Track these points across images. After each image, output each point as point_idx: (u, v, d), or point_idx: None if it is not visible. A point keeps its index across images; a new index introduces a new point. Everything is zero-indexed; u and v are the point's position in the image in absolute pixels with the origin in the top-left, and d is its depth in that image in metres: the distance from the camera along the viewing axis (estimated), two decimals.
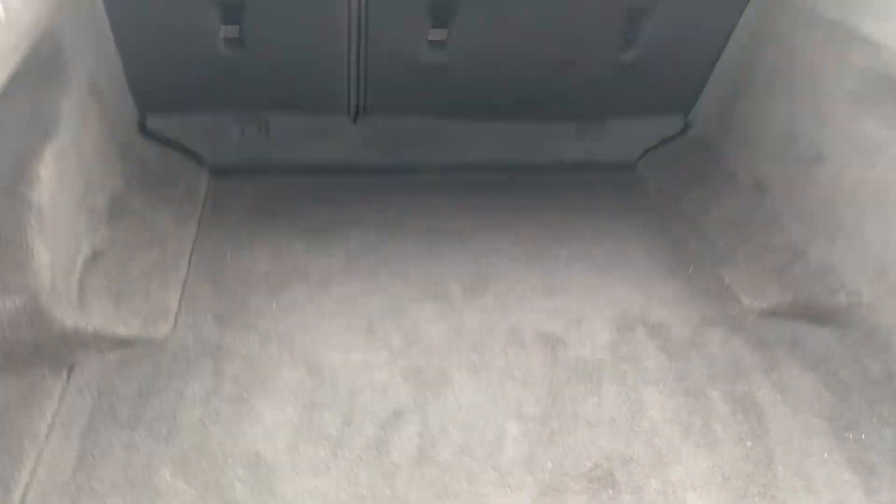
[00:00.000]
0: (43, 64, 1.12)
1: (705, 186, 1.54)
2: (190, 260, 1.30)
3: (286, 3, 1.38)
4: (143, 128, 1.51)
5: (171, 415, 1.02)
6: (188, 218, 1.39)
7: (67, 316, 1.06)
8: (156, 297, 1.20)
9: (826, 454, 1.04)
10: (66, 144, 1.14)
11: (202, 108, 1.54)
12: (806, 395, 1.13)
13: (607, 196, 1.57)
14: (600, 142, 1.67)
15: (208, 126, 1.56)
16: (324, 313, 1.22)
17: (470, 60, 1.50)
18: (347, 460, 0.99)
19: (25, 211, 1.01)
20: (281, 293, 1.25)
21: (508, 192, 1.55)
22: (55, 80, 1.16)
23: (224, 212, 1.44)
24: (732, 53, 1.53)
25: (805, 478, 1.01)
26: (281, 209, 1.46)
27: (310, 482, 0.96)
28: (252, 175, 1.54)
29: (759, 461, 1.03)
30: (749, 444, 1.05)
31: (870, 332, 1.19)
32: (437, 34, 1.46)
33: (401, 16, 1.42)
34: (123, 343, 1.11)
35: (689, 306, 1.29)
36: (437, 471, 0.98)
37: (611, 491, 0.97)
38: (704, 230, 1.46)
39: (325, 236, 1.39)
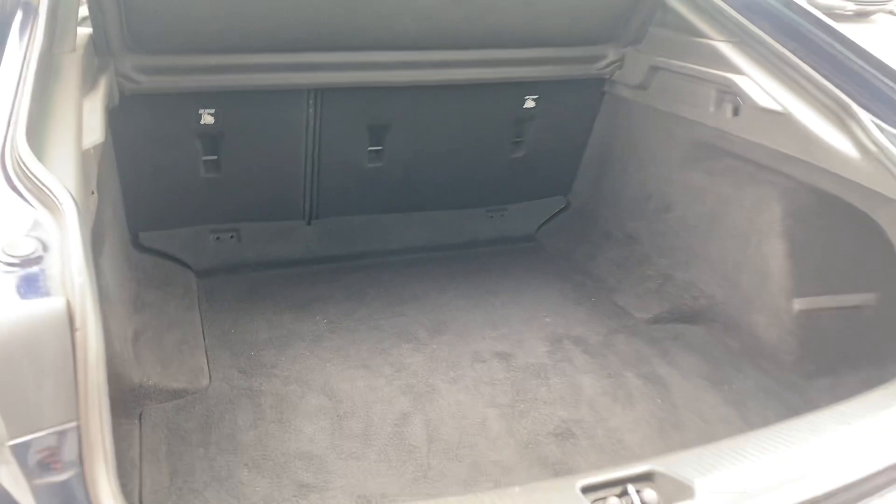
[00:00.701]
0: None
1: (590, 243, 2.01)
2: (204, 335, 1.60)
3: (256, 132, 1.77)
4: (136, 243, 1.81)
5: (231, 437, 1.31)
6: (191, 307, 1.69)
7: (134, 375, 1.34)
8: (189, 361, 1.49)
9: (711, 400, 1.46)
10: (107, 250, 1.45)
11: (184, 223, 1.87)
12: (691, 367, 1.56)
13: (518, 260, 2.01)
14: (506, 221, 2.13)
15: (190, 237, 1.88)
16: (325, 360, 1.54)
17: (401, 166, 1.93)
18: (377, 446, 1.30)
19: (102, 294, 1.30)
20: (285, 350, 1.57)
21: (443, 265, 1.95)
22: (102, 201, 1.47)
23: (217, 301, 1.75)
24: (594, 142, 2.05)
25: (700, 416, 1.42)
26: (263, 295, 1.79)
27: (353, 462, 1.27)
28: (231, 273, 1.86)
29: (668, 410, 1.43)
30: (659, 401, 1.46)
31: (726, 321, 1.65)
32: (375, 147, 1.89)
33: (348, 136, 1.84)
34: (177, 394, 1.39)
35: (598, 323, 1.71)
36: (445, 444, 1.32)
37: (572, 440, 1.34)
38: (595, 273, 1.91)
39: (307, 310, 1.73)
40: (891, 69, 1.36)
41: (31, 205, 0.87)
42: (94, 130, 1.20)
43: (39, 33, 1.21)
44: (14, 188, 0.89)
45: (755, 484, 0.87)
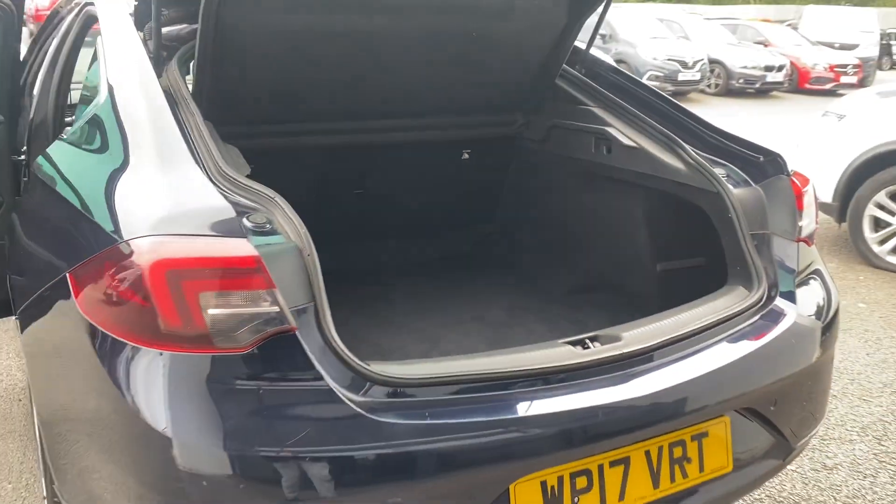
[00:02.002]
0: None
1: (515, 252, 2.82)
2: None
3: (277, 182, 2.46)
4: None
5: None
6: None
7: None
8: None
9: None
10: None
11: None
12: (597, 314, 2.35)
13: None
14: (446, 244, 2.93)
15: None
16: None
17: (380, 200, 2.67)
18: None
19: None
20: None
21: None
22: None
23: None
24: (511, 181, 2.88)
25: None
26: None
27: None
28: None
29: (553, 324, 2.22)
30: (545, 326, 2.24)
31: (615, 285, 2.47)
32: (358, 190, 2.62)
33: (344, 181, 2.56)
34: None
35: (536, 297, 2.50)
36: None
37: None
38: (524, 270, 2.71)
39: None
40: (695, 115, 2.27)
41: (250, 199, 1.53)
42: None
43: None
44: (237, 193, 1.54)
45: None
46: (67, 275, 1.50)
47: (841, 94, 15.75)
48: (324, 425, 1.32)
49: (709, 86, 15.55)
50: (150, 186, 1.46)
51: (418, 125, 2.50)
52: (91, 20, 2.72)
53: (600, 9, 2.40)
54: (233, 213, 1.36)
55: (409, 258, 2.80)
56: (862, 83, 17.00)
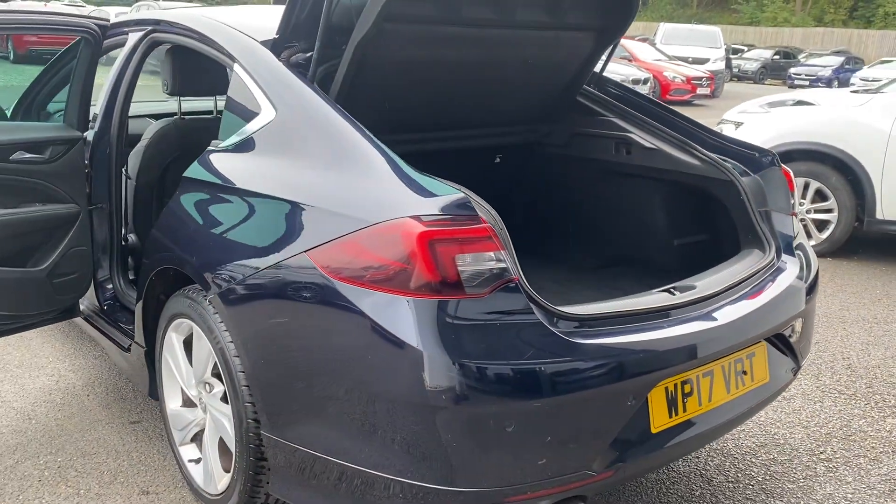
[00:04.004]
0: None
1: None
2: None
3: None
4: None
5: None
6: None
7: None
8: None
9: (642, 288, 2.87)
10: None
11: None
12: (630, 281, 2.95)
13: None
14: None
15: None
16: None
17: None
18: None
19: None
20: None
21: None
22: None
23: None
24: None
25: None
26: None
27: None
28: None
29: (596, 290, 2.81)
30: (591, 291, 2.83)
31: (642, 259, 3.08)
32: None
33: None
34: None
35: (572, 271, 3.07)
36: None
37: None
38: (557, 251, 3.28)
39: None
40: (693, 121, 2.93)
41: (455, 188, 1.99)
42: None
43: None
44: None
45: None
46: (305, 254, 1.93)
47: (697, 105, 17.68)
48: (537, 345, 1.83)
49: None
50: (382, 180, 1.93)
51: (471, 134, 3.02)
52: (155, 44, 3.08)
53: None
54: (465, 197, 1.85)
55: None
56: (713, 94, 18.89)
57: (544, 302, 1.89)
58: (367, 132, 2.08)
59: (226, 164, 2.34)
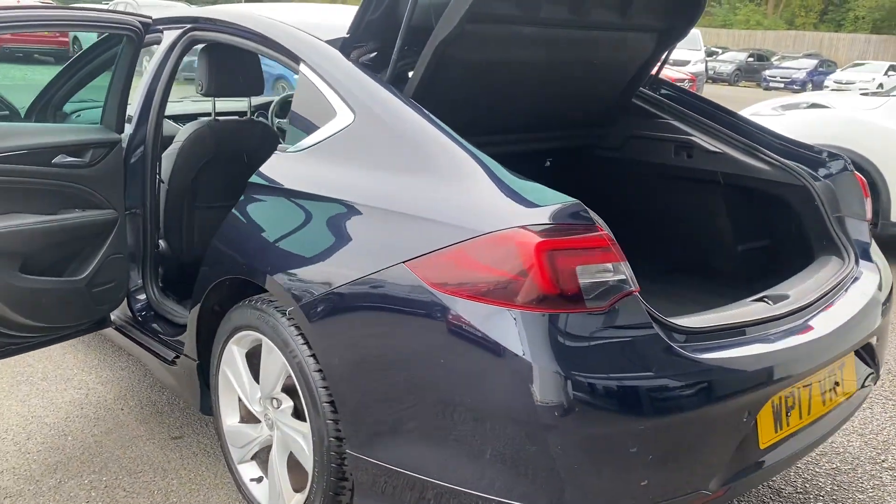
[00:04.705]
0: None
1: None
2: None
3: None
4: None
5: None
6: None
7: None
8: None
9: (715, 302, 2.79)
10: None
11: None
12: (693, 289, 2.87)
13: None
14: None
15: None
16: None
17: None
18: None
19: None
20: None
21: None
22: None
23: None
24: None
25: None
26: None
27: None
28: None
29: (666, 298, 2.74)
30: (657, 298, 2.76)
31: (702, 264, 3.01)
32: None
33: None
34: None
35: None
36: None
37: None
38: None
39: None
40: (757, 124, 2.87)
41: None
42: None
43: None
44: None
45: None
46: (404, 265, 1.83)
47: None
48: (660, 361, 1.75)
49: None
50: (482, 186, 1.83)
51: (527, 138, 2.93)
52: (193, 43, 2.95)
53: None
54: (580, 204, 1.76)
55: None
56: None
57: (659, 315, 1.80)
58: (458, 136, 1.98)
59: (301, 169, 2.22)
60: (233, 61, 3.03)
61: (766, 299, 2.16)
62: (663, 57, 2.98)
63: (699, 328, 1.88)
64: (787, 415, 2.02)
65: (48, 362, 3.50)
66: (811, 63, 28.96)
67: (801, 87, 26.71)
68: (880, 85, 19.15)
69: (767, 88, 27.04)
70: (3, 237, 2.45)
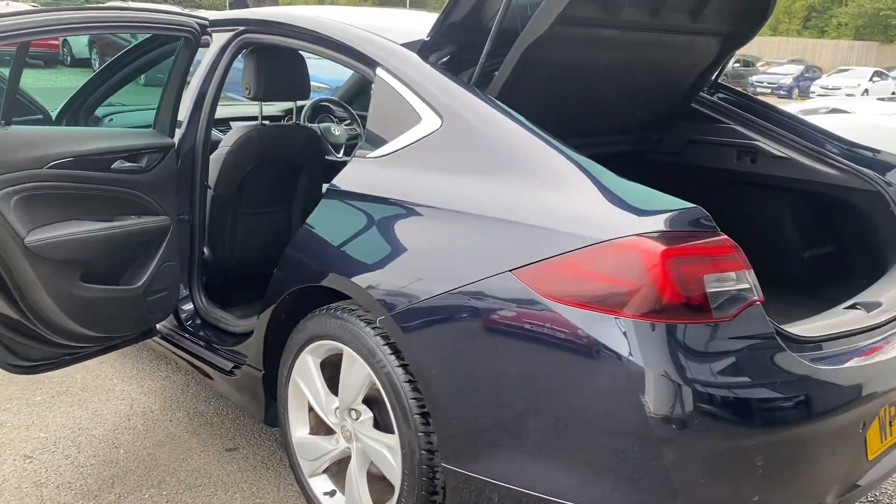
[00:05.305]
0: None
1: None
2: None
3: None
4: None
5: None
6: None
7: None
8: None
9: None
10: None
11: None
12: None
13: None
14: None
15: None
16: None
17: None
18: None
19: None
20: None
21: None
22: None
23: None
24: None
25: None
26: None
27: None
28: None
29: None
30: None
31: (770, 268, 2.97)
32: None
33: None
34: None
35: None
36: None
37: None
38: None
39: None
40: (820, 128, 2.83)
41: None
42: None
43: None
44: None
45: None
46: (511, 273, 1.77)
47: None
48: (785, 371, 1.71)
49: None
50: (590, 191, 1.78)
51: (590, 142, 2.88)
52: (245, 46, 2.89)
53: None
54: (702, 210, 1.71)
55: None
56: None
57: (775, 324, 1.76)
58: (554, 139, 1.93)
59: (385, 175, 2.16)
60: (282, 65, 2.96)
61: (858, 306, 2.13)
62: (724, 62, 2.95)
63: (812, 337, 1.84)
64: (890, 424, 1.99)
65: (86, 373, 3.40)
66: (797, 69, 29.22)
67: (788, 92, 26.96)
68: (894, 92, 19.40)
69: (755, 94, 27.17)
70: (64, 245, 2.37)
